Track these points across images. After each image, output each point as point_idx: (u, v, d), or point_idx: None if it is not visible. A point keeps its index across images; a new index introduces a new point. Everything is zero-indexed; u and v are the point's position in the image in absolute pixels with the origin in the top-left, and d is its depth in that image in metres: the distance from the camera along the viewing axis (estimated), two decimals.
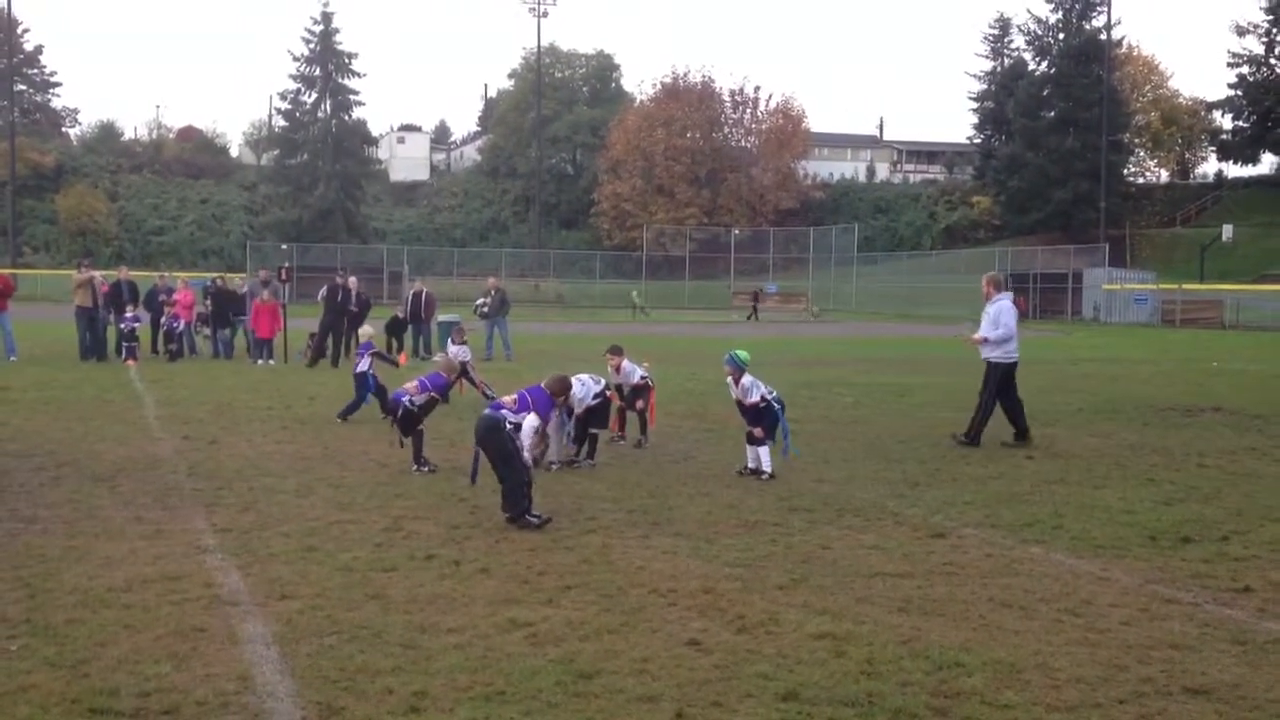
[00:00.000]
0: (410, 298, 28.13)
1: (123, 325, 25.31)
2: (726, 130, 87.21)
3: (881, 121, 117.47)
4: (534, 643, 6.47)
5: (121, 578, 7.73)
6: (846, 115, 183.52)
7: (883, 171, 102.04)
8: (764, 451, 11.72)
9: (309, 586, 7.57)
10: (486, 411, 9.87)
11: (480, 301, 28.57)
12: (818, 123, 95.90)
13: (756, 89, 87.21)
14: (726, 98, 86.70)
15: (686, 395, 19.73)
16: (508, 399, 9.81)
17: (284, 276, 26.26)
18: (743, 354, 12.09)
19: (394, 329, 27.38)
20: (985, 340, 14.27)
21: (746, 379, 11.98)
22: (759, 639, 6.51)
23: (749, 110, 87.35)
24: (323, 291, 25.39)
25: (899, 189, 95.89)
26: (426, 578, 7.84)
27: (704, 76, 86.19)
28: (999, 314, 14.24)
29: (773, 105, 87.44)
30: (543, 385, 10.29)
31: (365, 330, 17.21)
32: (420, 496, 10.58)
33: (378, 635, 6.58)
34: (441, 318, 28.23)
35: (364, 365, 15.86)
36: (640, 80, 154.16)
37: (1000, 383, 14.27)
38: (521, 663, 6.13)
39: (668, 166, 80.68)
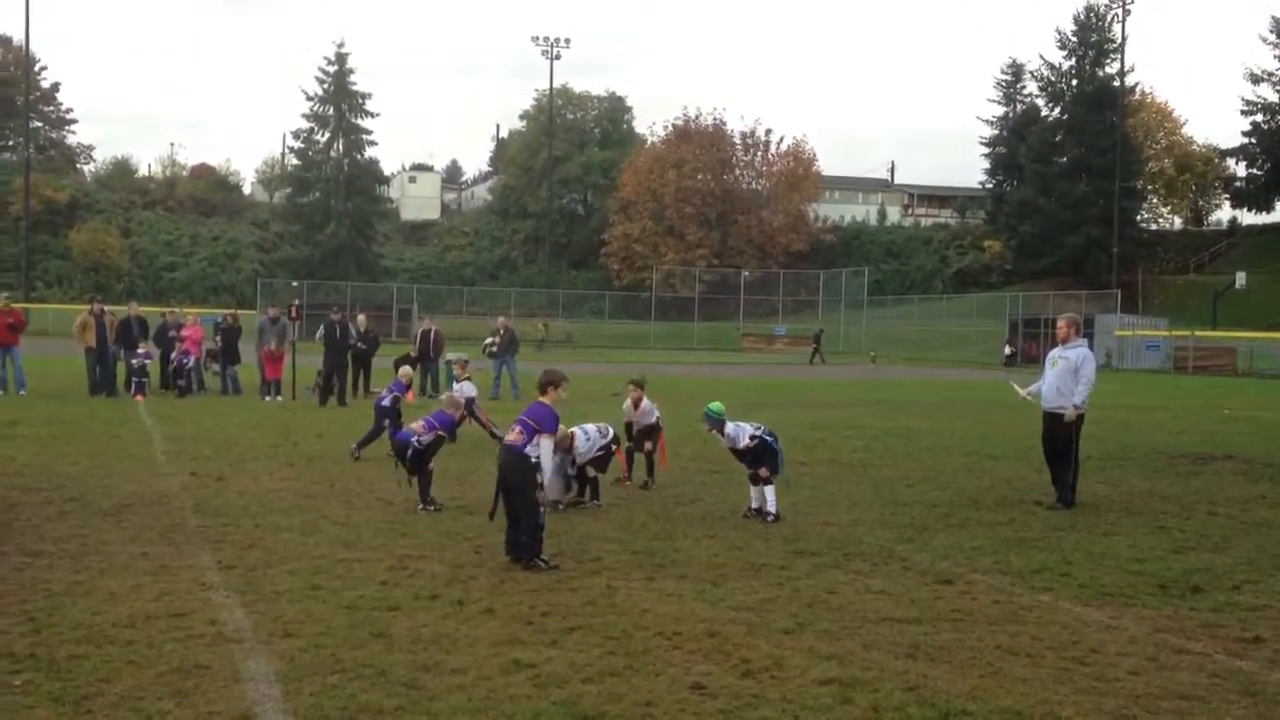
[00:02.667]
0: (419, 336, 28.18)
1: (133, 361, 25.37)
2: (737, 172, 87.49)
3: (893, 165, 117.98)
4: (537, 684, 6.44)
5: (126, 613, 7.71)
6: (857, 159, 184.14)
7: (894, 215, 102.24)
8: (769, 492, 11.68)
9: (313, 625, 7.54)
10: (512, 448, 9.61)
11: (489, 340, 28.61)
12: (829, 166, 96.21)
13: (768, 131, 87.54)
14: (737, 140, 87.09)
15: (694, 437, 19.64)
16: (513, 434, 9.69)
17: (294, 314, 26.33)
18: (715, 406, 11.99)
19: (403, 365, 27.35)
20: (1078, 409, 12.92)
21: (729, 428, 11.90)
22: (764, 684, 6.47)
23: (760, 153, 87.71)
24: (320, 331, 25.42)
25: (910, 232, 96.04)
26: (430, 617, 7.81)
27: (715, 119, 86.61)
28: (1082, 363, 12.97)
29: (784, 148, 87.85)
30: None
31: (405, 370, 16.97)
32: (426, 535, 10.56)
33: (381, 674, 6.55)
34: (449, 356, 28.26)
35: (387, 400, 15.76)
36: (651, 122, 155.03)
37: (1077, 431, 13.08)
38: (525, 705, 6.10)
39: (678, 208, 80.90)
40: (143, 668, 6.60)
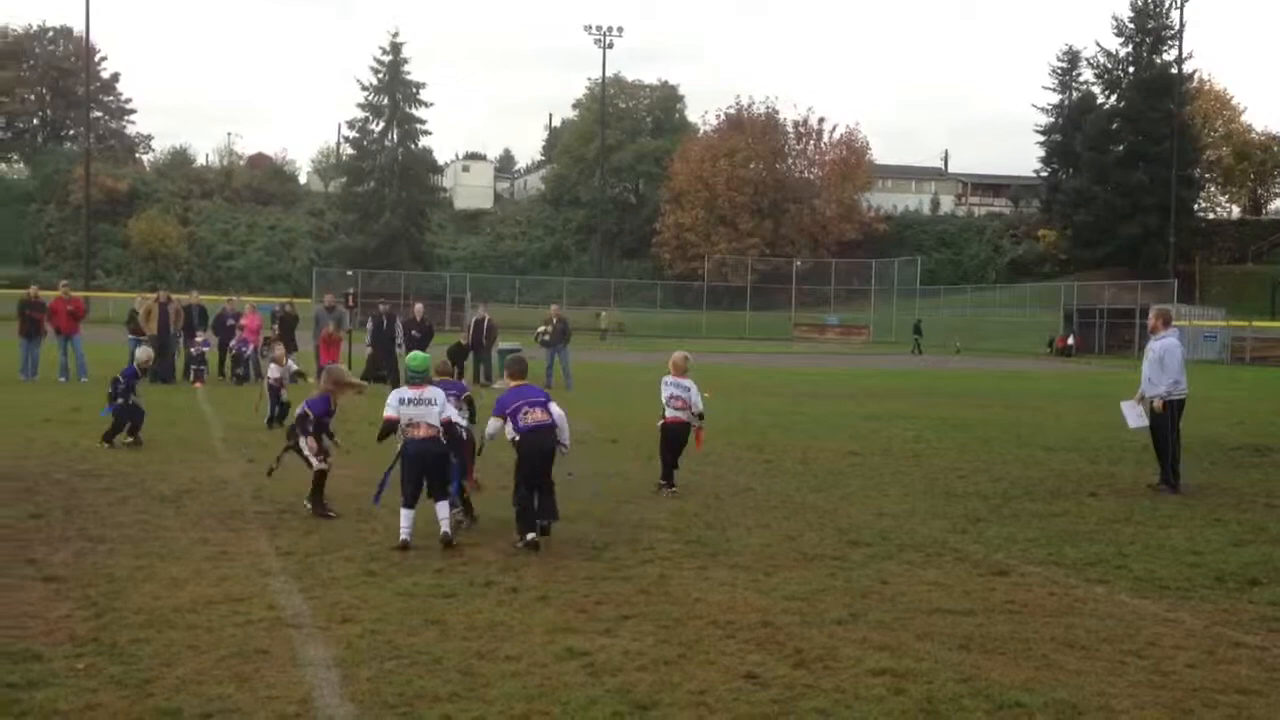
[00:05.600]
0: (473, 325, 28.33)
1: (192, 349, 25.70)
2: (790, 161, 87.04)
3: (946, 154, 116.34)
4: (591, 673, 6.49)
5: (187, 598, 7.85)
6: (911, 148, 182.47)
7: (947, 204, 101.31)
8: None
9: (369, 611, 7.64)
10: (540, 427, 9.90)
11: (542, 329, 28.70)
12: (882, 155, 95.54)
13: (820, 120, 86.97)
14: (790, 129, 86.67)
15: (746, 426, 19.69)
16: (537, 415, 9.92)
17: (350, 303, 26.57)
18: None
19: (456, 356, 27.51)
20: (1163, 398, 13.48)
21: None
22: (817, 674, 6.48)
23: (812, 142, 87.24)
24: (368, 323, 25.67)
25: (963, 222, 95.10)
26: (485, 604, 7.88)
27: (768, 108, 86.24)
28: (1165, 354, 13.51)
29: (836, 137, 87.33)
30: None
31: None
32: (480, 523, 10.62)
33: (436, 661, 6.62)
34: (503, 345, 28.40)
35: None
36: (704, 111, 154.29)
37: (1170, 419, 13.51)
38: (578, 692, 6.15)
39: (730, 197, 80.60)
40: (203, 652, 6.72)
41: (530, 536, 9.60)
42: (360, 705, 5.92)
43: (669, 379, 13.05)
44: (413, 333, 27.07)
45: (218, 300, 34.08)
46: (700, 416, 12.90)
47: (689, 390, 12.86)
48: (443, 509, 9.60)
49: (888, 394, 28.78)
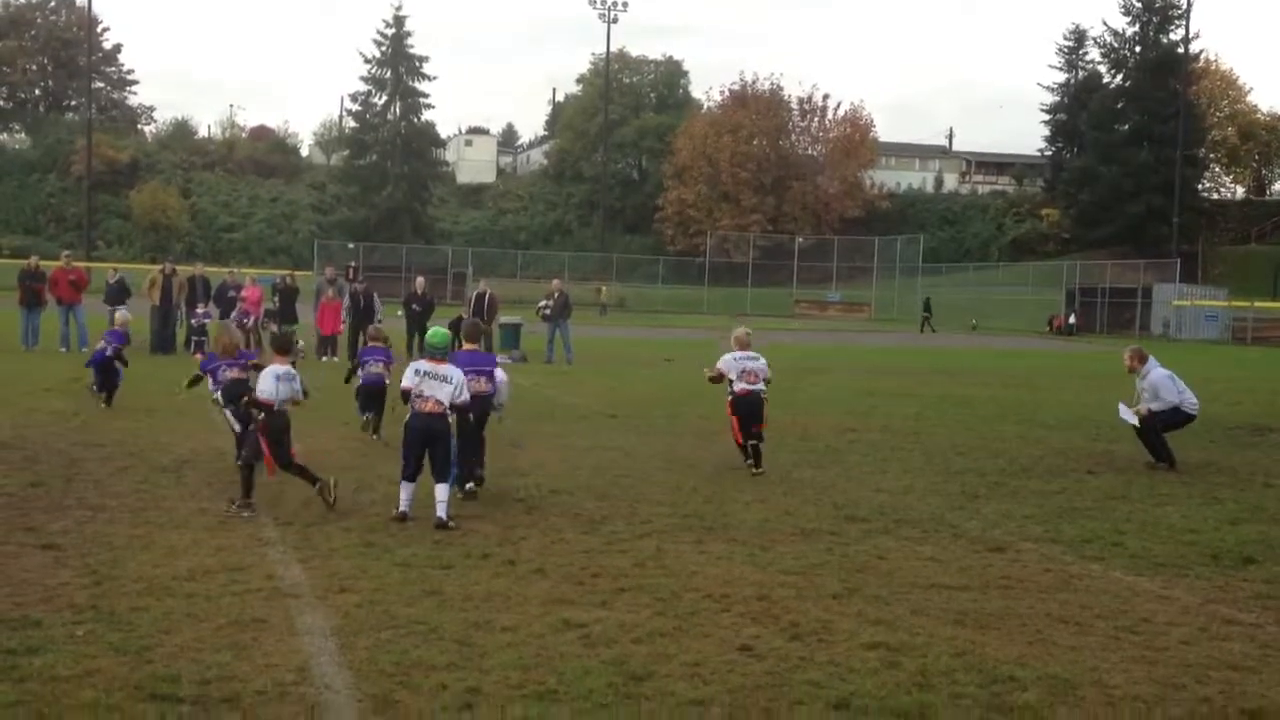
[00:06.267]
0: (474, 299, 28.27)
1: (193, 320, 25.71)
2: (793, 138, 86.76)
3: (951, 132, 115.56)
4: (587, 644, 6.52)
5: (185, 567, 7.87)
6: (915, 125, 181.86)
7: (951, 182, 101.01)
8: None
9: (368, 581, 7.67)
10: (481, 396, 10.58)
11: (543, 303, 28.69)
12: (886, 132, 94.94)
13: (825, 97, 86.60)
14: (794, 105, 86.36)
15: None
16: (480, 384, 10.60)
17: (351, 276, 26.56)
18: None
19: (457, 329, 27.52)
20: (1150, 412, 13.78)
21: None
22: (811, 647, 6.51)
23: (816, 118, 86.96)
24: (345, 301, 25.59)
25: (967, 200, 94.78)
26: (482, 576, 7.91)
27: (772, 84, 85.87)
28: (1157, 388, 13.80)
29: (841, 114, 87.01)
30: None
31: (121, 316, 18.39)
32: (479, 496, 10.64)
33: (433, 631, 6.65)
34: (504, 319, 28.41)
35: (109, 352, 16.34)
36: (708, 87, 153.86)
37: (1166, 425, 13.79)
38: (574, 663, 6.18)
39: (733, 173, 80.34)
40: (201, 620, 6.75)
41: (469, 487, 10.51)
42: (357, 673, 5.95)
43: (736, 354, 12.89)
44: (414, 306, 27.07)
45: (219, 272, 34.03)
46: (767, 383, 12.97)
47: (758, 360, 12.92)
48: (441, 491, 9.49)
49: (888, 371, 28.80)
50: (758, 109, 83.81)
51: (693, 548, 8.89)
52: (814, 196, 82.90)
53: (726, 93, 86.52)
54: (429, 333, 10.41)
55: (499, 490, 10.96)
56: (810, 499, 11.06)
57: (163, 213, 77.34)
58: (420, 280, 28.24)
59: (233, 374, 11.28)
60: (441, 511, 9.37)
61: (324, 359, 25.20)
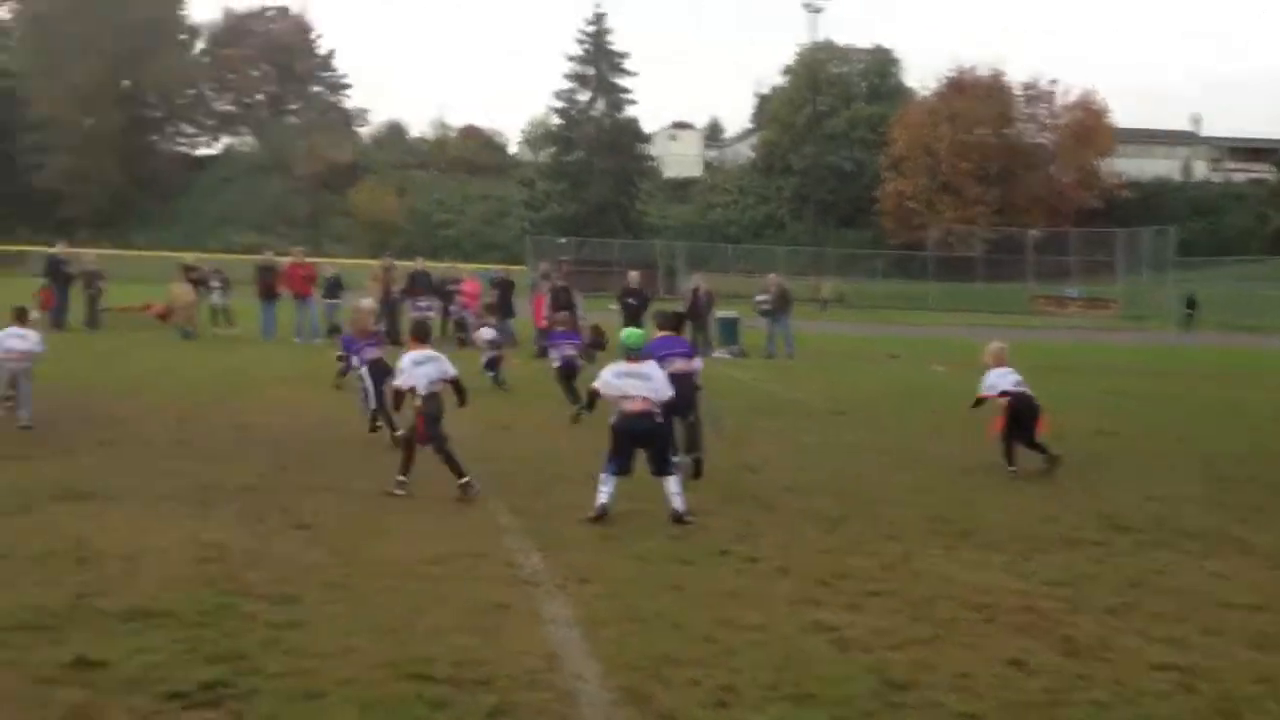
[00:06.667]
0: (690, 293, 28.14)
1: (414, 313, 26.35)
2: (1019, 126, 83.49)
3: (1199, 116, 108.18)
4: (840, 648, 6.22)
5: (429, 551, 7.90)
6: (1156, 109, 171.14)
7: (1201, 170, 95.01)
8: None
9: (607, 573, 7.54)
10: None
11: (761, 298, 28.33)
12: (1123, 117, 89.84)
13: (1052, 82, 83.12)
14: (1018, 91, 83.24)
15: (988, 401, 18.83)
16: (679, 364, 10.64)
17: (566, 270, 26.78)
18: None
19: (675, 323, 27.43)
20: None
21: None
22: (1090, 664, 6.02)
23: (1044, 104, 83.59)
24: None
25: (1220, 189, 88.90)
26: (723, 573, 7.68)
27: (992, 70, 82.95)
28: None
29: (1071, 99, 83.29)
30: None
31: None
32: (709, 491, 10.39)
33: (678, 626, 6.46)
34: (720, 314, 28.20)
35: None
36: (922, 75, 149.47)
37: None
38: (830, 668, 5.89)
39: (954, 164, 77.77)
40: (448, 603, 6.74)
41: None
42: (606, 664, 5.82)
43: (996, 371, 12.39)
44: (629, 300, 27.07)
45: (438, 267, 34.86)
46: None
47: (1018, 375, 12.33)
48: (671, 484, 9.28)
49: (1145, 371, 26.94)
50: (977, 95, 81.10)
51: (944, 553, 8.43)
52: (1046, 187, 79.53)
53: (943, 80, 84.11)
54: (623, 333, 10.30)
55: (730, 486, 10.71)
56: (1069, 504, 10.39)
57: (381, 210, 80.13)
58: (634, 274, 28.20)
59: (372, 354, 12.82)
60: (678, 504, 9.14)
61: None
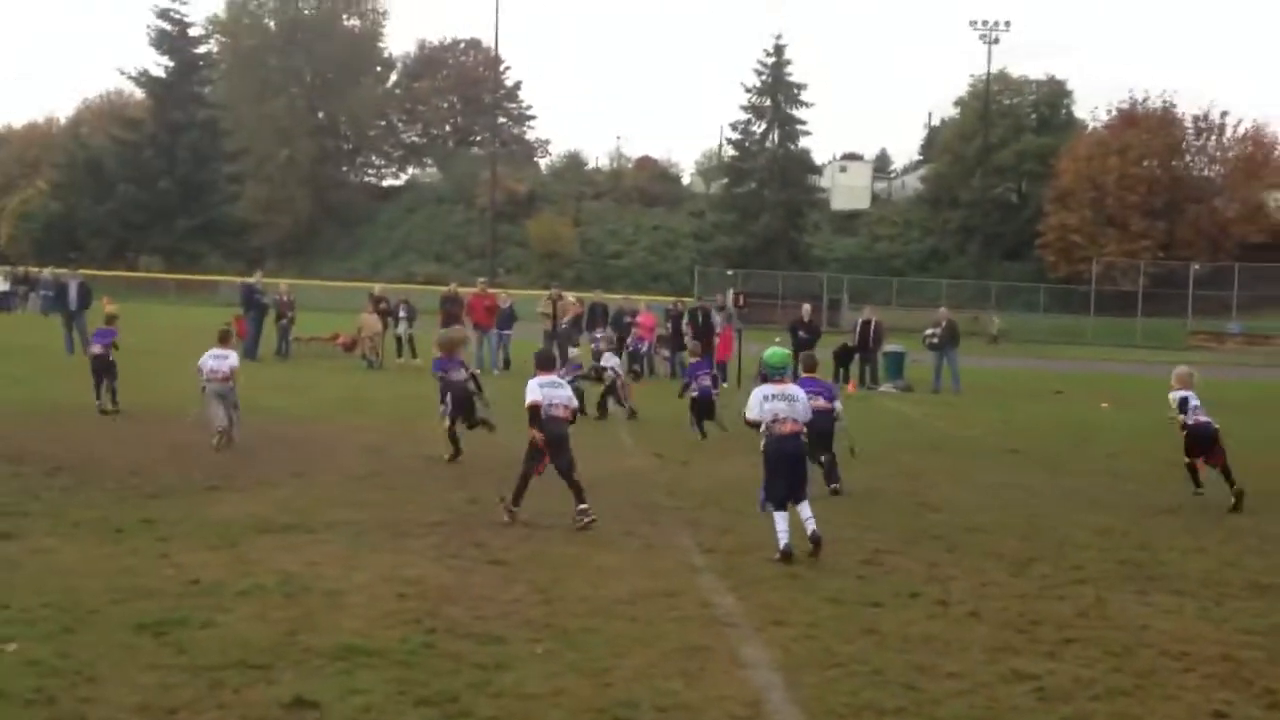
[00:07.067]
0: (859, 325, 28.04)
1: (593, 344, 26.80)
2: (1188, 159, 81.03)
3: None
4: (1041, 698, 6.22)
5: (624, 589, 8.11)
6: None
7: None
8: None
9: (801, 615, 7.64)
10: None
11: (929, 332, 28.04)
12: None
13: (1223, 114, 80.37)
14: (1189, 124, 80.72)
15: (1158, 437, 18.36)
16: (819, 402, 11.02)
17: (741, 303, 26.96)
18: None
19: (842, 357, 27.43)
20: None
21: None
22: None
23: (1213, 137, 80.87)
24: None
25: None
26: (915, 616, 7.72)
27: (1165, 101, 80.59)
28: None
29: (1241, 131, 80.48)
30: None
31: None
32: (893, 529, 10.45)
33: (877, 672, 6.53)
34: (889, 347, 28.02)
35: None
36: (1094, 107, 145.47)
37: None
38: (1033, 718, 5.89)
39: (1120, 196, 75.66)
40: (649, 645, 6.91)
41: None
42: (810, 713, 5.92)
43: (1181, 393, 12.87)
44: (800, 333, 27.13)
45: (613, 298, 35.40)
46: None
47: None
48: (804, 509, 9.40)
49: None
50: (1148, 128, 78.89)
51: (1136, 598, 8.32)
52: (1210, 220, 76.96)
53: (1114, 112, 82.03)
54: (767, 353, 10.35)
55: (912, 525, 10.72)
56: (1255, 548, 10.15)
57: (555, 241, 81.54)
58: (807, 306, 28.26)
59: (457, 376, 13.92)
60: (814, 526, 9.30)
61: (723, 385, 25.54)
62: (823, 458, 11.89)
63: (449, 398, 13.76)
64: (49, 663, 6.20)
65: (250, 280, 29.29)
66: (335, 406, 18.63)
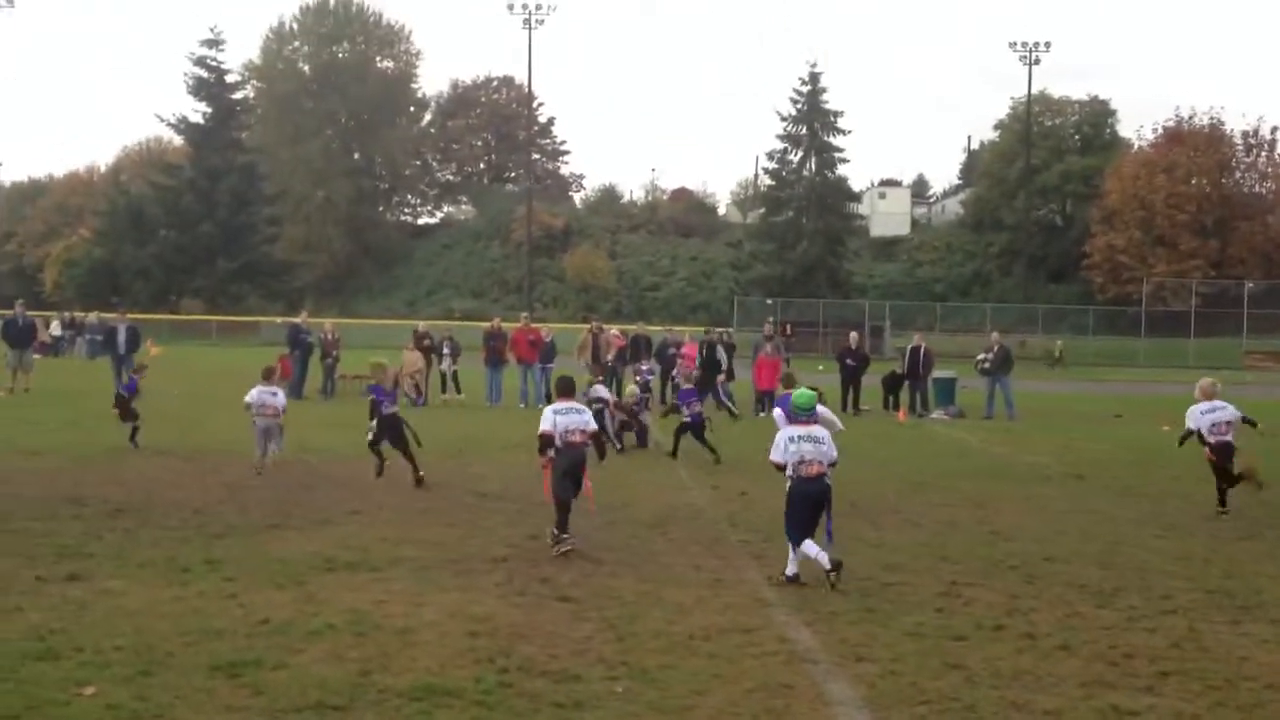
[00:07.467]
0: (908, 352, 27.76)
1: (637, 377, 26.66)
2: (1238, 175, 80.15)
3: None
4: None
5: (697, 625, 7.92)
6: None
7: None
8: None
9: (882, 650, 7.42)
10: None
11: (981, 357, 27.70)
12: None
13: (1274, 130, 79.52)
14: (1238, 140, 79.88)
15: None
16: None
17: (789, 332, 26.76)
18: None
19: (891, 385, 27.15)
20: None
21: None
22: None
23: (1264, 153, 79.98)
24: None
25: None
26: (1002, 650, 7.47)
27: (1212, 119, 79.80)
28: None
29: None
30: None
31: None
32: (969, 560, 10.19)
33: (970, 709, 6.32)
34: (938, 374, 27.69)
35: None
36: (1139, 126, 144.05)
37: None
38: None
39: (1169, 215, 74.90)
40: (730, 682, 6.72)
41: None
42: None
43: (1202, 407, 13.30)
44: (848, 361, 26.93)
45: (655, 330, 35.27)
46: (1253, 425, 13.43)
47: (1226, 408, 13.24)
48: (810, 547, 9.23)
49: None
50: (1195, 146, 78.14)
51: (1230, 629, 8.04)
52: (1263, 237, 76.00)
53: (1160, 130, 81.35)
54: (795, 394, 10.24)
55: (986, 555, 10.45)
56: None
57: (592, 274, 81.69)
58: (854, 335, 28.08)
59: (389, 409, 14.50)
60: (827, 560, 9.09)
61: (760, 415, 25.37)
62: None
63: (376, 422, 14.45)
64: (128, 706, 6.11)
65: (296, 320, 29.43)
66: (384, 444, 18.50)
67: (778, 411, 13.88)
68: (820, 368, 37.23)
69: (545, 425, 10.53)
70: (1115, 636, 7.79)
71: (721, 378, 26.12)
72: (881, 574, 9.60)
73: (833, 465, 9.59)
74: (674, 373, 27.19)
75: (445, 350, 27.90)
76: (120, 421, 17.12)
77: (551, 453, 10.48)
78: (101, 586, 8.62)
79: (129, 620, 7.72)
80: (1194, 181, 76.90)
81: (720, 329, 32.88)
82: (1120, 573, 9.77)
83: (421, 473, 14.17)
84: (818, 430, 9.67)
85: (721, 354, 26.66)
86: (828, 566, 9.05)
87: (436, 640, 7.49)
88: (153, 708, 6.10)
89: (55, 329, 45.84)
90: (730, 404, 25.08)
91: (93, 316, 45.16)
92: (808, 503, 9.35)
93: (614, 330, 30.07)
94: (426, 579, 9.18)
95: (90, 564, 9.33)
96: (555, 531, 10.35)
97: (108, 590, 8.52)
